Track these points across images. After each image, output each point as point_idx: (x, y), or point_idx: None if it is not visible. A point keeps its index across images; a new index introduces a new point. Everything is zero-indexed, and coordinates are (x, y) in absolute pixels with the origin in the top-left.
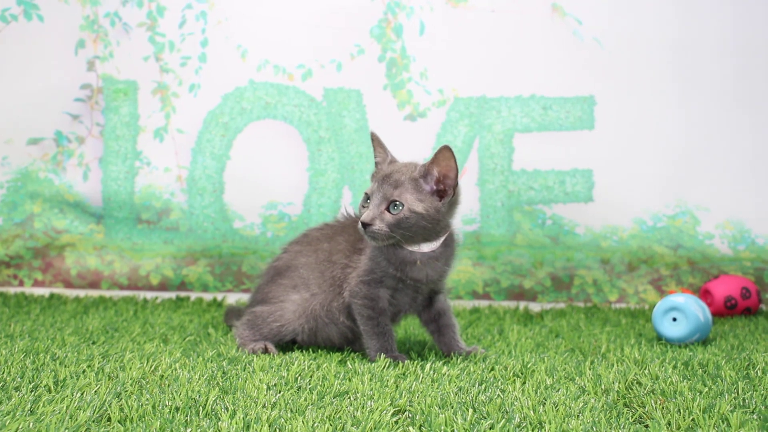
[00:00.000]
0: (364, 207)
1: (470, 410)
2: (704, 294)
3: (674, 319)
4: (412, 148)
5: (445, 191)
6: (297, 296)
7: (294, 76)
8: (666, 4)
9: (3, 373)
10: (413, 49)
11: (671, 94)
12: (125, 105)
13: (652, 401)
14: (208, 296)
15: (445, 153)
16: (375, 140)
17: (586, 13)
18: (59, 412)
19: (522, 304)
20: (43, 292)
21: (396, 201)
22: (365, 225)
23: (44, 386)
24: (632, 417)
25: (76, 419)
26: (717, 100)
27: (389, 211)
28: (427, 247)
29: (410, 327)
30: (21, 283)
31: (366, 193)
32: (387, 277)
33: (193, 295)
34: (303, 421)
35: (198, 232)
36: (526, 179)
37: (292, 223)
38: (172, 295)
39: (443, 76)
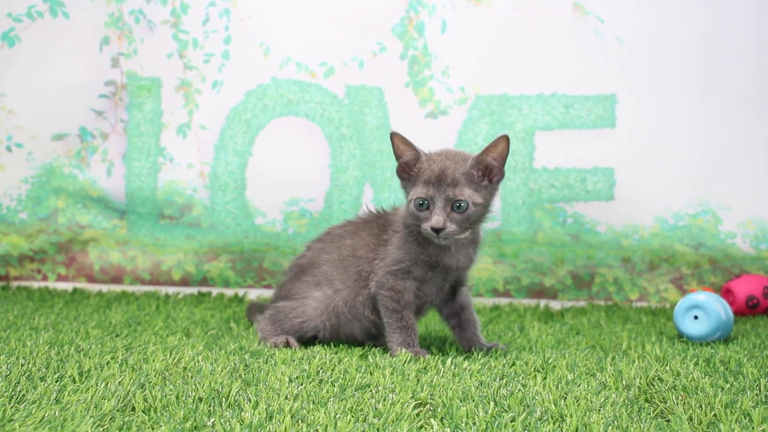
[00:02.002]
0: (421, 211)
1: (491, 403)
2: (726, 293)
3: (696, 317)
4: (434, 146)
5: (494, 175)
6: (319, 293)
7: (316, 73)
8: (688, 3)
9: (29, 363)
10: (435, 47)
11: (693, 92)
12: (149, 101)
13: (674, 397)
14: (229, 292)
15: (502, 141)
16: (398, 138)
17: (608, 12)
18: (84, 402)
19: (542, 302)
20: (67, 286)
21: (459, 200)
22: (438, 230)
23: (69, 377)
24: (653, 412)
25: (101, 408)
26: (739, 98)
27: (454, 211)
28: (458, 235)
29: (431, 323)
30: (45, 278)
31: (421, 197)
32: (416, 267)
33: (215, 291)
34: (325, 413)
35: (220, 228)
36: (548, 177)
37: (313, 219)
38: (194, 290)
39: (465, 73)
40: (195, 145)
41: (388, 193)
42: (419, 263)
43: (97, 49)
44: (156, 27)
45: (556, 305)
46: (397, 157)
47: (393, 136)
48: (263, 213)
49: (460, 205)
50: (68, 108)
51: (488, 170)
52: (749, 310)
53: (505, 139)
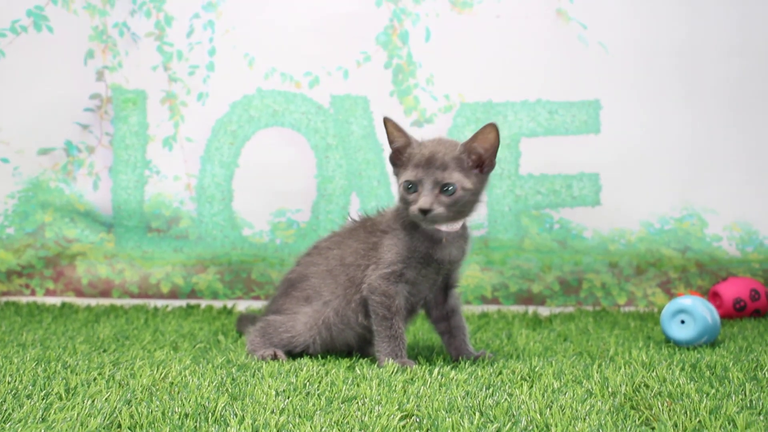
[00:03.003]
0: (410, 194)
1: (477, 414)
2: (713, 296)
3: (682, 322)
4: None
5: (484, 164)
6: (309, 308)
7: (301, 83)
8: (670, 8)
9: (15, 381)
10: (419, 56)
11: (677, 97)
12: (134, 114)
13: (659, 403)
14: (218, 304)
15: (489, 129)
16: (391, 124)
17: (591, 18)
18: (70, 420)
19: (531, 309)
20: (55, 301)
21: (448, 183)
22: (425, 211)
23: (55, 394)
24: (639, 419)
25: (87, 426)
26: (723, 102)
27: (443, 194)
28: (448, 227)
29: (418, 332)
30: (33, 293)
31: (409, 181)
32: (408, 268)
33: (203, 303)
34: (311, 427)
35: (207, 240)
36: (534, 184)
37: (300, 230)
38: (183, 303)
39: (449, 81)
40: (181, 157)
41: (375, 202)
42: (412, 262)
43: (81, 63)
44: (140, 40)
45: (544, 311)
46: (390, 143)
47: (386, 121)
48: (250, 224)
49: (448, 188)
50: (54, 122)
51: (479, 159)
52: (736, 312)
53: (492, 127)
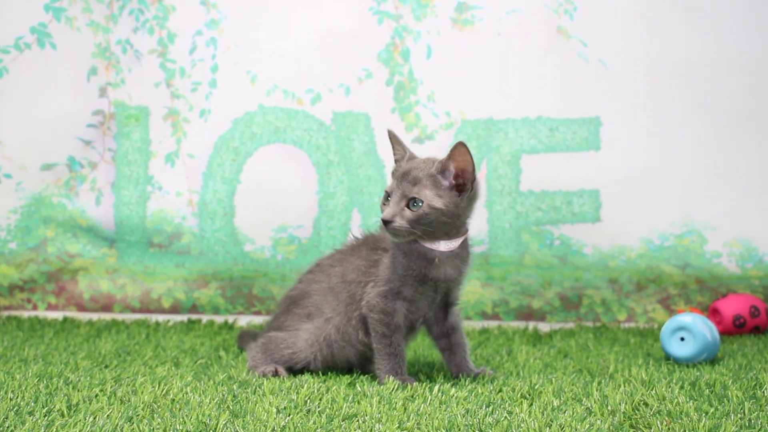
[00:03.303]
0: (384, 205)
1: None
2: (713, 313)
3: (682, 339)
4: None
5: (464, 186)
6: (310, 325)
7: (303, 100)
8: (670, 25)
9: (17, 397)
10: (420, 73)
11: (677, 114)
12: (137, 130)
13: (658, 422)
14: (219, 319)
15: (460, 149)
16: (393, 138)
17: (591, 35)
18: None
19: (531, 325)
20: (57, 315)
21: (415, 198)
22: (386, 222)
23: (57, 411)
24: None
25: None
26: (722, 119)
27: (409, 208)
28: (445, 246)
29: (419, 348)
30: (35, 307)
31: (386, 191)
32: (405, 286)
33: (205, 318)
34: None
35: (209, 256)
36: (534, 200)
37: (302, 246)
38: (184, 318)
39: (450, 98)
40: (183, 173)
41: (376, 219)
42: (408, 281)
43: (84, 79)
44: (143, 56)
45: (544, 327)
46: (394, 155)
47: (389, 134)
48: (252, 240)
49: (415, 202)
50: (56, 138)
51: (461, 180)
52: (736, 329)
53: (461, 146)
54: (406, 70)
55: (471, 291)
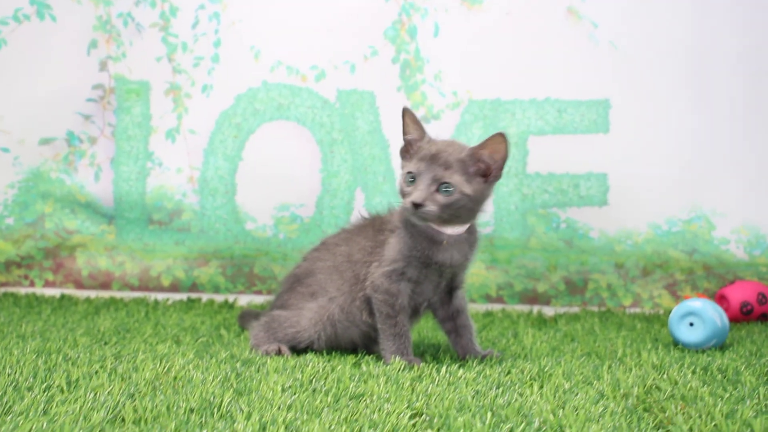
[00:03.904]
0: (407, 186)
1: (489, 414)
2: (720, 299)
3: (691, 324)
4: None
5: (490, 173)
6: (314, 304)
7: (307, 77)
8: (682, 8)
9: (15, 373)
10: (427, 51)
11: (687, 97)
12: (137, 105)
13: (673, 406)
14: (219, 298)
15: (498, 139)
16: (408, 116)
17: (602, 16)
18: (72, 413)
19: (535, 308)
20: (54, 292)
21: (448, 183)
22: (417, 205)
23: (57, 387)
24: (653, 422)
25: (90, 420)
26: (733, 103)
27: (440, 192)
28: (452, 230)
29: (424, 330)
30: (32, 284)
31: (410, 172)
32: (410, 267)
33: (205, 297)
34: (320, 424)
35: (210, 234)
36: (541, 182)
37: (304, 225)
38: (183, 296)
39: (457, 78)
40: (184, 149)
41: (380, 198)
42: (413, 262)
43: (84, 53)
44: (145, 30)
45: (549, 311)
46: (404, 134)
47: (405, 111)
48: (254, 218)
49: (447, 188)
50: (55, 112)
51: (486, 168)
52: (743, 316)
53: (502, 137)
54: (412, 48)
55: (475, 274)
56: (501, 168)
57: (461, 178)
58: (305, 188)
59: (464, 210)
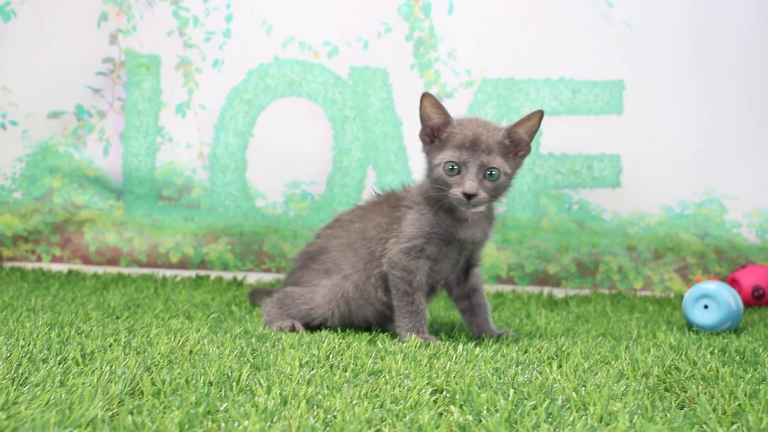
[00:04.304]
0: (451, 176)
1: (511, 390)
2: (731, 283)
3: (705, 307)
4: None
5: (521, 149)
6: (328, 281)
7: (320, 53)
8: None
9: (29, 345)
10: (441, 29)
11: (701, 80)
12: (147, 80)
13: (694, 386)
14: (227, 275)
15: (536, 117)
16: (430, 100)
17: None
18: (90, 385)
19: (546, 290)
20: (61, 268)
21: (493, 168)
22: (470, 196)
23: (72, 359)
24: (675, 401)
25: (108, 391)
26: (746, 86)
27: (486, 179)
28: (475, 208)
29: (437, 309)
30: (39, 259)
31: (453, 162)
32: (429, 244)
33: (213, 274)
34: (341, 398)
35: (219, 210)
36: (554, 163)
37: (315, 202)
38: (192, 273)
39: (471, 56)
40: (194, 124)
41: (391, 177)
42: (433, 239)
43: (95, 26)
44: (155, 3)
45: (559, 293)
46: (424, 119)
47: (426, 97)
48: (264, 195)
49: (492, 172)
50: (65, 85)
51: (517, 144)
52: (755, 300)
53: (540, 114)
54: (426, 25)
55: (486, 254)
56: (531, 141)
57: (502, 159)
58: (316, 165)
59: (504, 189)
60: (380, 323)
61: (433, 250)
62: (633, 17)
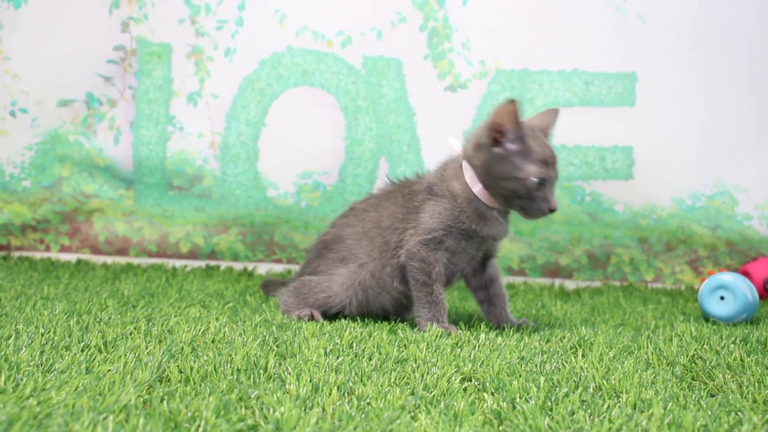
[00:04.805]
0: (539, 190)
1: (542, 378)
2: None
3: (722, 298)
4: (452, 120)
5: None
6: (345, 270)
7: (333, 42)
8: None
9: (50, 332)
10: (456, 19)
11: (713, 72)
12: (159, 68)
13: (721, 375)
14: (238, 266)
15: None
16: (516, 108)
17: None
18: (116, 372)
19: (557, 282)
20: (70, 257)
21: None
22: (554, 211)
23: (94, 346)
24: (704, 390)
25: (136, 379)
26: (758, 79)
27: None
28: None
29: (455, 300)
30: (47, 248)
31: (544, 178)
32: (449, 237)
33: (223, 265)
34: (371, 385)
35: (230, 200)
36: (566, 154)
37: (326, 192)
38: (202, 264)
39: (485, 47)
40: (206, 114)
41: (404, 167)
42: (453, 232)
43: (106, 13)
44: None
45: (570, 285)
46: (503, 125)
47: (512, 104)
48: (275, 185)
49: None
50: (75, 73)
51: None
52: (766, 292)
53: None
54: (441, 15)
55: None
56: None
57: None
58: (328, 156)
59: None
60: (397, 311)
61: (451, 243)
62: (646, 10)
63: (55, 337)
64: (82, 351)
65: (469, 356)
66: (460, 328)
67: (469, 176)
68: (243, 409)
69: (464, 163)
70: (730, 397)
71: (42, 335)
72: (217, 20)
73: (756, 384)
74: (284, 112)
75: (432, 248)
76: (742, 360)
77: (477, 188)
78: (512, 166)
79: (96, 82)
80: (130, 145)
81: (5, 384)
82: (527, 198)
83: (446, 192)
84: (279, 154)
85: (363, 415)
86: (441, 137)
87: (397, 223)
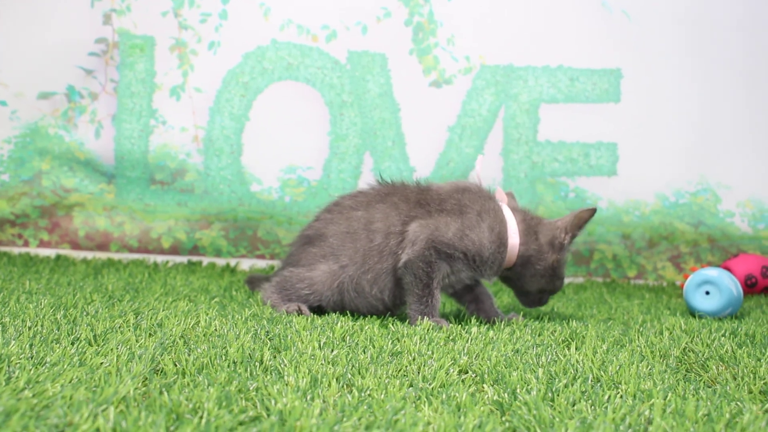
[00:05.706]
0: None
1: (539, 370)
2: None
3: (707, 293)
4: (437, 116)
5: None
6: (325, 266)
7: (318, 37)
8: None
9: (37, 326)
10: (441, 15)
11: (697, 70)
12: (141, 61)
13: (715, 366)
14: (220, 261)
15: None
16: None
17: None
18: (110, 364)
19: None
20: (49, 252)
21: None
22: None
23: (84, 339)
24: (700, 381)
25: (131, 371)
26: (743, 77)
27: None
28: None
29: (443, 297)
30: (26, 243)
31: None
32: (460, 261)
33: (206, 260)
34: (370, 377)
35: (213, 195)
36: (551, 151)
37: (311, 188)
38: (184, 259)
39: (470, 42)
40: (189, 107)
41: (388, 163)
42: (464, 259)
43: (88, 4)
44: None
45: None
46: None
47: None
48: (259, 180)
49: None
50: (56, 66)
51: None
52: (748, 289)
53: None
54: (426, 10)
55: None
56: None
57: None
58: (313, 151)
59: None
60: (371, 313)
61: (459, 265)
62: (631, 6)
63: (44, 331)
64: (72, 344)
65: (464, 349)
66: (451, 323)
67: (513, 230)
68: (243, 401)
69: (507, 209)
70: (728, 388)
71: (30, 328)
72: (201, 13)
73: (751, 375)
74: (268, 107)
75: (443, 257)
76: (734, 352)
77: (514, 241)
78: (557, 251)
79: (77, 75)
80: (112, 138)
81: None
82: (550, 273)
83: (485, 228)
84: (263, 149)
85: (366, 407)
86: (426, 133)
87: (393, 227)
